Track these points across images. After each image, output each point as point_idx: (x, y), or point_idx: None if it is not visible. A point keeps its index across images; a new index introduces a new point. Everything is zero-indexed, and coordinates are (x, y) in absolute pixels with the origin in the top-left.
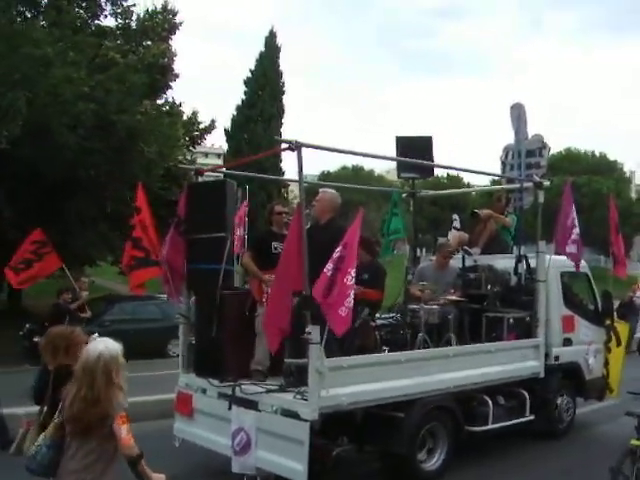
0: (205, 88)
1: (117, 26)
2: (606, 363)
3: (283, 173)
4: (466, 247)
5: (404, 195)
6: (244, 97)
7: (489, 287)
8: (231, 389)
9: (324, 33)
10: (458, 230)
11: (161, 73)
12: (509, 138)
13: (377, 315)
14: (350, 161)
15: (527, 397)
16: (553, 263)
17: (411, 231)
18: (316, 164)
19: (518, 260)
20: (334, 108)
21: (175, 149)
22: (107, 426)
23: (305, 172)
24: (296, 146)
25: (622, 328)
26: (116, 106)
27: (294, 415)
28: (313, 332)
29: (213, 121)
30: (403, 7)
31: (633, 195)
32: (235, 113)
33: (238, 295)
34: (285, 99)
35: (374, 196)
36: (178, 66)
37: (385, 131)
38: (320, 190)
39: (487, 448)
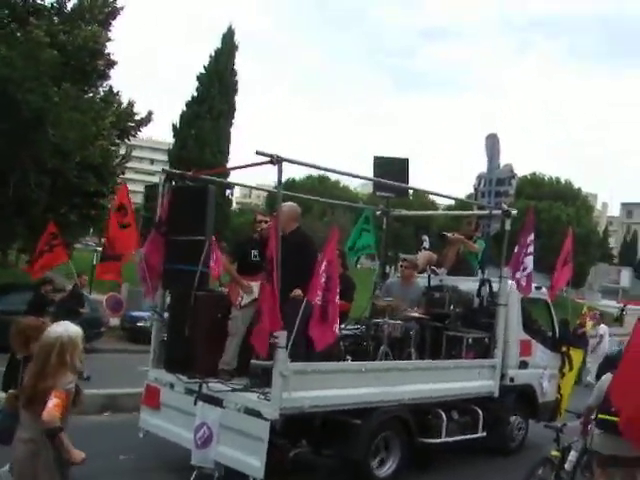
0: (165, 82)
1: (52, 5)
2: (559, 388)
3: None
4: (433, 267)
5: (377, 213)
6: (195, 93)
7: (452, 307)
8: (198, 386)
9: (313, 43)
10: (427, 250)
11: (90, 57)
12: (481, 162)
13: (343, 326)
14: (315, 171)
15: (481, 414)
16: (515, 288)
17: (382, 248)
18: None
19: (482, 283)
20: (313, 114)
21: (95, 138)
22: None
23: (271, 180)
24: (277, 160)
25: (576, 355)
26: (21, 84)
27: (256, 414)
28: (280, 337)
29: (150, 113)
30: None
31: (601, 226)
32: (185, 108)
33: (212, 297)
34: (237, 98)
35: (337, 206)
36: (124, 54)
37: (362, 144)
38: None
39: (439, 461)
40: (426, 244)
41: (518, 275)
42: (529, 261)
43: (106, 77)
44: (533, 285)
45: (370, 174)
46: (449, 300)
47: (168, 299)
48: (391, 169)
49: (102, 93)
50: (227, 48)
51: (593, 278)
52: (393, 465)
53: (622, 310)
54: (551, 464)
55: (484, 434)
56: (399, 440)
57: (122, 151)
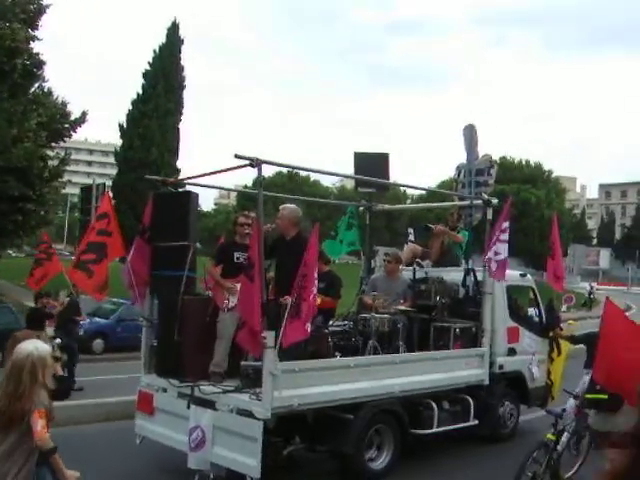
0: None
1: None
2: (549, 373)
3: (179, 171)
4: (418, 260)
5: (360, 208)
6: (140, 91)
7: (438, 298)
8: (190, 389)
9: (288, 44)
10: (412, 243)
11: (8, 56)
12: (459, 155)
13: (331, 322)
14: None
15: (472, 403)
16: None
17: (366, 243)
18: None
19: (466, 273)
20: (288, 114)
21: (18, 140)
22: (26, 420)
23: (247, 179)
24: (257, 163)
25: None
26: None
27: (249, 414)
28: (268, 337)
29: (84, 113)
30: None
31: (579, 208)
32: (131, 108)
33: (199, 301)
34: (186, 94)
35: (313, 203)
36: (55, 53)
37: (336, 142)
38: (280, 207)
39: (433, 451)
40: (411, 237)
41: (488, 256)
42: (503, 247)
43: (34, 77)
44: (509, 271)
45: (347, 169)
46: (435, 291)
47: (156, 305)
48: (372, 164)
49: (31, 93)
50: (172, 43)
51: (571, 260)
52: (387, 458)
53: (590, 293)
54: (546, 447)
55: (476, 422)
56: (391, 432)
57: (57, 154)
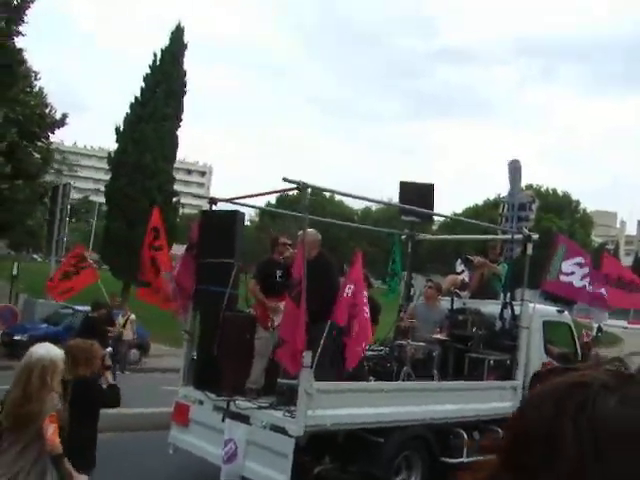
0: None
1: None
2: None
3: (174, 179)
4: (456, 290)
5: (402, 237)
6: (139, 94)
7: (474, 329)
8: (226, 403)
9: (330, 65)
10: (458, 274)
11: None
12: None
13: (367, 347)
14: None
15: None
16: (537, 311)
17: (407, 271)
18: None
19: (504, 306)
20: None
21: None
22: (37, 424)
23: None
24: (303, 187)
25: None
26: None
27: (282, 430)
28: (305, 357)
29: (65, 116)
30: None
31: (607, 243)
32: (129, 111)
33: (240, 317)
34: (187, 100)
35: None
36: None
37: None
38: (299, 233)
39: None
40: (459, 268)
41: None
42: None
43: (16, 77)
44: (545, 307)
45: (382, 195)
46: (472, 322)
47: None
48: (417, 193)
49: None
50: (174, 47)
51: None
52: None
53: (599, 330)
54: None
55: None
56: (421, 459)
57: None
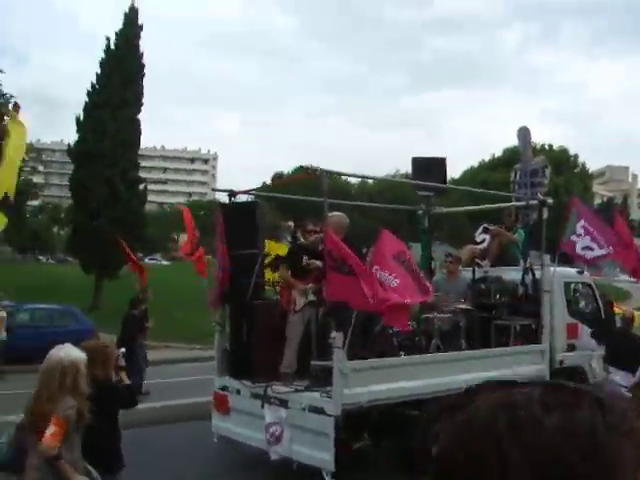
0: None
1: None
2: None
3: (138, 165)
4: (477, 260)
5: (419, 212)
6: (95, 80)
7: (498, 297)
8: (263, 389)
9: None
10: (478, 244)
11: None
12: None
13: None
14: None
15: None
16: (558, 274)
17: (427, 245)
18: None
19: (525, 272)
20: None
21: None
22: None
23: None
24: (321, 173)
25: None
26: None
27: (320, 411)
28: (337, 337)
29: (17, 106)
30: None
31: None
32: (87, 99)
33: (268, 305)
34: (146, 83)
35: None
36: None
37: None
38: (329, 215)
39: None
40: (481, 237)
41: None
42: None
43: None
44: (566, 269)
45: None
46: (494, 290)
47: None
48: (429, 168)
49: None
50: (128, 30)
51: None
52: None
53: None
54: None
55: None
56: None
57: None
